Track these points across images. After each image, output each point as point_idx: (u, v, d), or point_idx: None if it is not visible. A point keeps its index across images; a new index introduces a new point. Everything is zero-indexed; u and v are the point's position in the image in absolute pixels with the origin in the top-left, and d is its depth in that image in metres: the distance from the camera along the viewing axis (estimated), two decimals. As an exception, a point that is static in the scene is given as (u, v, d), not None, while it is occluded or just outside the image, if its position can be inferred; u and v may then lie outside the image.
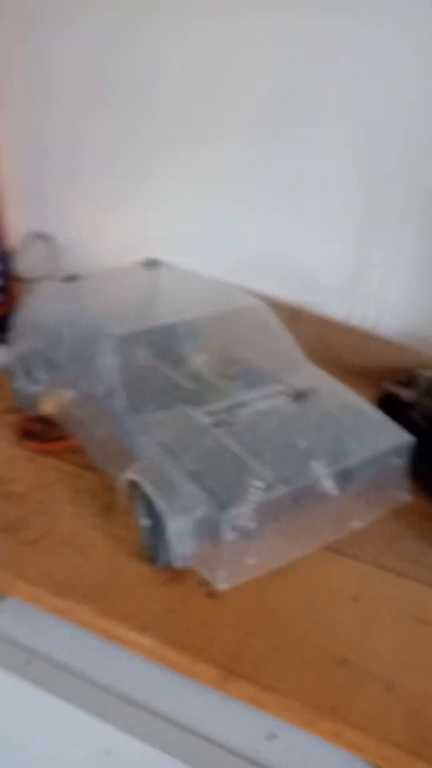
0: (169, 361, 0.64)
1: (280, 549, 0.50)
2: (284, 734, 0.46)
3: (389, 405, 0.66)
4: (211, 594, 0.50)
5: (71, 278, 0.68)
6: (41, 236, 0.97)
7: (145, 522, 0.50)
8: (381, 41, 0.72)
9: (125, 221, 0.93)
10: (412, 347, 0.82)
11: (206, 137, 0.85)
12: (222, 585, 0.46)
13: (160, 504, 0.47)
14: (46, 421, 0.70)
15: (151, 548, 0.50)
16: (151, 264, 0.73)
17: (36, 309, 0.72)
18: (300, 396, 0.57)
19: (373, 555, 0.55)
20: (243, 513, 0.45)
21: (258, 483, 0.47)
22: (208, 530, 0.46)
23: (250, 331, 0.65)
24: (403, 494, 0.58)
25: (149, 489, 0.48)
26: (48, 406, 0.68)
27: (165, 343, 0.64)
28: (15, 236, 0.98)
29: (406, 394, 0.70)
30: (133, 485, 0.52)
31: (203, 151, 0.85)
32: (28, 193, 0.96)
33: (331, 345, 0.82)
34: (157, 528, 0.48)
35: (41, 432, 0.69)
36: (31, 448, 0.68)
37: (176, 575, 0.51)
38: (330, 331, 0.84)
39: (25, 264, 0.99)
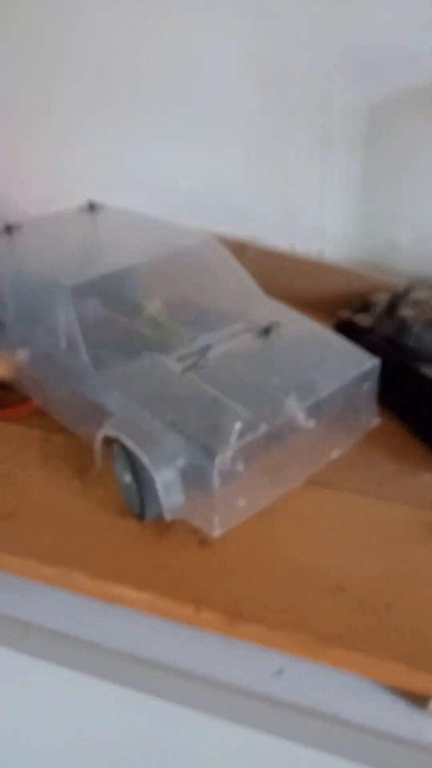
0: (122, 310, 0.61)
1: (266, 488, 0.50)
2: (291, 668, 0.47)
3: (347, 332, 0.66)
4: (203, 542, 0.50)
5: (8, 229, 0.64)
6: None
7: (127, 478, 0.49)
8: None
9: (40, 165, 0.87)
10: (359, 272, 0.82)
11: (109, 64, 0.79)
12: (216, 532, 0.46)
13: (144, 457, 0.45)
14: (7, 388, 0.67)
15: (137, 504, 0.49)
16: (90, 208, 0.69)
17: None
18: (265, 332, 0.56)
19: (353, 482, 0.55)
20: (230, 456, 0.44)
21: (240, 423, 0.46)
22: (196, 478, 0.45)
23: (203, 270, 0.63)
24: (374, 418, 0.58)
25: (129, 443, 0.46)
26: (1, 370, 0.65)
27: (116, 291, 0.61)
28: None
29: (362, 319, 0.69)
30: (108, 442, 0.50)
31: (109, 82, 0.80)
32: None
33: (278, 278, 0.80)
34: (141, 483, 0.47)
35: (4, 399, 0.66)
36: (-12, 416, 0.65)
37: (164, 528, 0.51)
38: (276, 263, 0.83)
39: None
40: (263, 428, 0.46)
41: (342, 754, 0.43)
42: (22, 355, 0.62)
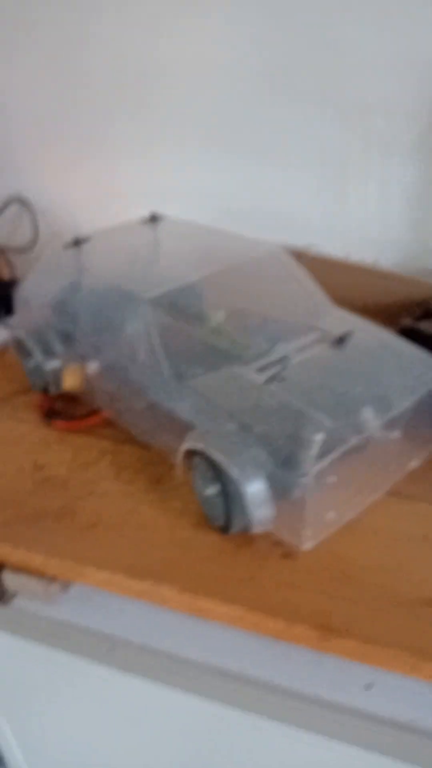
0: (187, 320, 0.62)
1: (352, 500, 0.49)
2: (380, 682, 0.47)
3: (411, 339, 0.65)
4: (286, 555, 0.49)
5: (77, 242, 0.64)
6: (17, 200, 0.91)
7: (210, 491, 0.49)
8: None
9: (97, 180, 0.88)
10: (417, 279, 0.81)
11: (176, 85, 0.80)
12: (306, 545, 0.46)
13: (233, 470, 0.45)
14: (68, 398, 0.67)
15: (221, 517, 0.49)
16: (152, 219, 0.70)
17: (42, 279, 0.68)
18: (339, 342, 0.55)
19: (427, 493, 0.55)
20: (320, 468, 0.44)
21: (328, 436, 0.45)
22: (284, 490, 0.45)
23: (269, 280, 0.63)
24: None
25: (217, 456, 0.46)
26: (69, 382, 0.65)
27: (183, 302, 0.61)
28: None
29: (426, 326, 0.69)
30: (190, 454, 0.51)
31: (164, 101, 0.81)
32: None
33: (336, 285, 0.80)
34: (228, 495, 0.47)
35: (65, 410, 0.67)
36: (59, 427, 0.65)
37: (246, 541, 0.51)
38: (333, 271, 0.82)
39: (2, 232, 0.94)
40: (352, 440, 0.46)
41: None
42: (93, 367, 0.62)
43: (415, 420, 0.54)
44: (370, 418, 0.50)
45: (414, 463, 0.55)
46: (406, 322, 0.72)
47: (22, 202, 0.91)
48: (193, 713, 0.48)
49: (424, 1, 0.67)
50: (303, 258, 0.82)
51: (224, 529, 0.50)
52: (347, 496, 0.49)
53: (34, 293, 0.69)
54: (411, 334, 0.68)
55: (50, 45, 0.82)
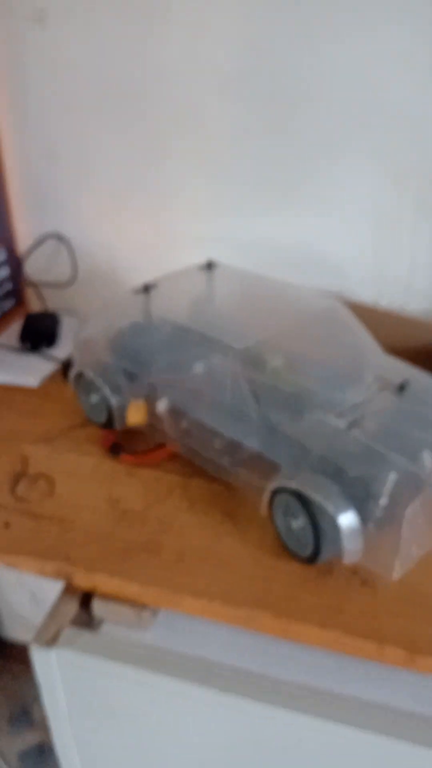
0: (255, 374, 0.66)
1: (428, 537, 0.55)
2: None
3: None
4: (365, 582, 0.55)
5: (146, 288, 0.69)
6: (55, 237, 0.95)
7: (297, 524, 0.54)
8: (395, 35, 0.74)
9: (140, 221, 0.93)
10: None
11: (218, 132, 0.85)
12: (396, 575, 0.51)
13: (328, 505, 0.51)
14: (128, 434, 0.71)
15: (309, 547, 0.54)
16: (209, 267, 0.75)
17: (102, 320, 0.72)
18: (401, 389, 0.61)
19: None
20: (413, 508, 0.50)
21: (403, 476, 0.51)
22: (376, 525, 0.51)
23: (327, 329, 0.68)
24: None
25: (311, 493, 0.52)
26: (134, 418, 0.69)
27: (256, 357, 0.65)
28: (27, 240, 0.96)
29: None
30: (276, 491, 0.56)
31: (216, 147, 0.86)
32: (40, 196, 0.94)
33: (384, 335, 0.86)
34: (317, 528, 0.52)
35: (129, 445, 0.71)
36: (128, 461, 0.69)
37: (325, 569, 0.56)
38: (363, 317, 0.88)
39: (37, 267, 0.97)
40: (413, 481, 0.52)
41: None
42: (163, 404, 0.67)
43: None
44: (425, 463, 0.56)
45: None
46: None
47: (60, 238, 0.95)
48: (290, 728, 0.52)
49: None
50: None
51: (310, 560, 0.55)
52: (425, 533, 0.54)
53: (94, 335, 0.73)
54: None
55: (108, 89, 0.86)
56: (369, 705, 0.51)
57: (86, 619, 0.60)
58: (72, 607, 0.59)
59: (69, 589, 0.60)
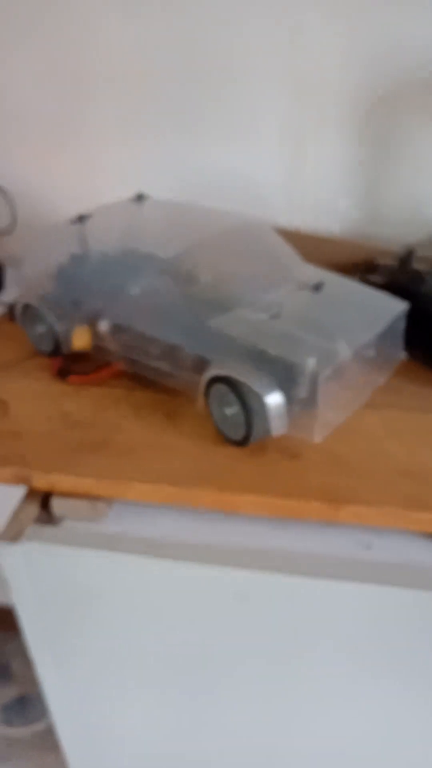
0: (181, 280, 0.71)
1: (342, 407, 0.62)
2: (377, 543, 0.60)
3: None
4: (294, 456, 0.62)
5: (81, 218, 0.74)
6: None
7: (231, 410, 0.61)
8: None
9: (72, 162, 0.97)
10: (355, 242, 0.96)
11: (134, 71, 0.90)
12: (317, 438, 0.58)
13: (255, 386, 0.57)
14: (75, 357, 0.76)
15: (240, 432, 0.61)
16: (139, 199, 0.80)
17: (41, 255, 0.77)
18: (317, 287, 0.68)
19: (394, 402, 0.69)
20: (328, 376, 0.56)
21: (320, 356, 0.58)
22: (296, 399, 0.58)
23: (248, 245, 0.74)
24: (402, 352, 0.72)
25: (240, 377, 0.58)
26: (79, 342, 0.75)
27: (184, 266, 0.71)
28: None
29: (374, 278, 0.83)
30: (210, 383, 0.62)
31: (132, 84, 0.90)
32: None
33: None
34: (248, 411, 0.59)
35: (76, 368, 0.76)
36: (75, 381, 0.74)
37: (257, 449, 0.63)
38: (293, 239, 0.95)
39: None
40: (344, 355, 0.59)
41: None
42: (104, 325, 0.72)
43: (381, 346, 0.67)
44: (344, 347, 0.63)
45: (381, 380, 0.69)
46: (356, 277, 0.85)
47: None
48: (230, 583, 0.59)
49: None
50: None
51: (243, 442, 0.61)
52: (339, 402, 0.61)
53: (35, 267, 0.78)
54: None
55: (36, 39, 0.89)
56: (303, 554, 0.58)
57: (47, 518, 0.65)
58: (33, 509, 0.65)
59: (29, 494, 0.66)
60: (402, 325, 0.70)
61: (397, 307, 0.68)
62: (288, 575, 0.57)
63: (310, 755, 0.74)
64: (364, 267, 0.88)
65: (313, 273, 0.73)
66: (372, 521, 0.57)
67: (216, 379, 0.61)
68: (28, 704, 1.45)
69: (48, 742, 1.32)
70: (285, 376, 0.59)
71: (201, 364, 0.63)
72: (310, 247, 0.91)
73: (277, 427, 0.59)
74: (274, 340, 0.60)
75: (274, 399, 0.58)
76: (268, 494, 0.58)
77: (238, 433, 0.62)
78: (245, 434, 0.61)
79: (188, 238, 0.69)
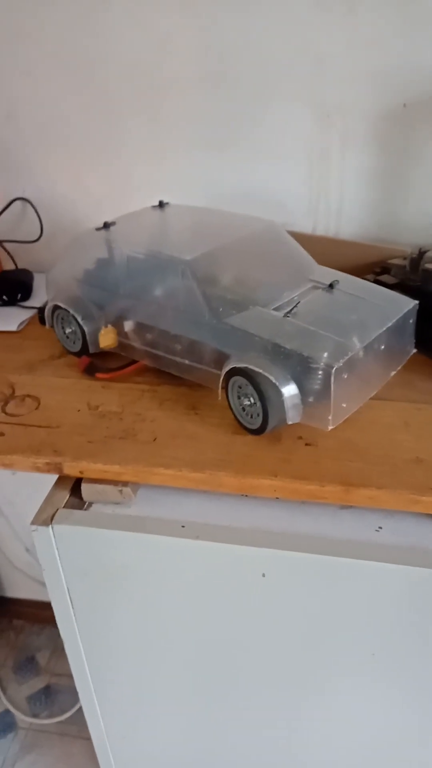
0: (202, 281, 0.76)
1: (355, 397, 0.66)
2: (387, 525, 0.64)
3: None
4: (309, 443, 0.66)
5: (106, 225, 0.79)
6: (20, 199, 1.04)
7: (249, 401, 0.65)
8: None
9: (100, 176, 1.02)
10: (372, 245, 0.99)
11: (164, 88, 0.95)
12: (330, 426, 0.62)
13: (271, 377, 0.61)
14: (101, 356, 0.81)
15: (257, 421, 0.64)
16: (161, 206, 0.85)
17: (69, 262, 0.82)
18: (330, 287, 0.72)
19: (404, 395, 0.72)
20: (342, 367, 0.60)
21: (333, 349, 0.62)
22: (311, 389, 0.62)
23: (266, 247, 0.79)
24: (412, 347, 0.75)
25: (257, 369, 0.62)
26: (106, 341, 0.79)
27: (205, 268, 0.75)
28: (-5, 203, 1.04)
29: (387, 278, 0.87)
30: (229, 376, 0.66)
31: (163, 103, 0.95)
32: (1, 160, 1.02)
33: (314, 254, 0.97)
34: (264, 400, 0.63)
35: (102, 365, 0.81)
36: (102, 378, 0.79)
37: (274, 438, 0.67)
38: (303, 243, 0.99)
39: (5, 228, 1.06)
40: (356, 348, 0.63)
41: None
42: (129, 325, 0.76)
43: (393, 340, 0.71)
44: (355, 342, 0.66)
45: (392, 374, 0.72)
46: (369, 277, 0.89)
47: (26, 201, 1.04)
48: (256, 561, 0.63)
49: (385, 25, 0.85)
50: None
51: (260, 430, 0.65)
52: (352, 393, 0.65)
53: (63, 272, 0.83)
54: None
55: (63, 53, 0.94)
56: (313, 536, 0.62)
57: (77, 503, 0.70)
58: (64, 494, 0.69)
59: (60, 480, 0.70)
60: (412, 322, 0.73)
61: (407, 304, 0.72)
62: (305, 553, 0.61)
63: (327, 744, 0.77)
64: (378, 268, 0.91)
65: (328, 273, 0.77)
66: (384, 504, 0.61)
67: (234, 372, 0.65)
68: (54, 695, 1.50)
69: (73, 731, 1.37)
70: (300, 369, 0.62)
71: (221, 359, 0.67)
72: (328, 250, 0.96)
73: (293, 416, 0.63)
74: (289, 335, 0.64)
75: (288, 390, 0.62)
76: (285, 478, 0.62)
77: (256, 423, 0.66)
78: (262, 423, 0.65)
79: (208, 242, 0.73)
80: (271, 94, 0.92)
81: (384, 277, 0.87)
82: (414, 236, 0.99)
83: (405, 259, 0.90)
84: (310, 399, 0.62)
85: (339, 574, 0.61)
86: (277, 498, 0.64)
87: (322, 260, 0.85)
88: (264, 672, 0.72)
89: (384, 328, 0.68)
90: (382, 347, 0.68)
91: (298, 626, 0.67)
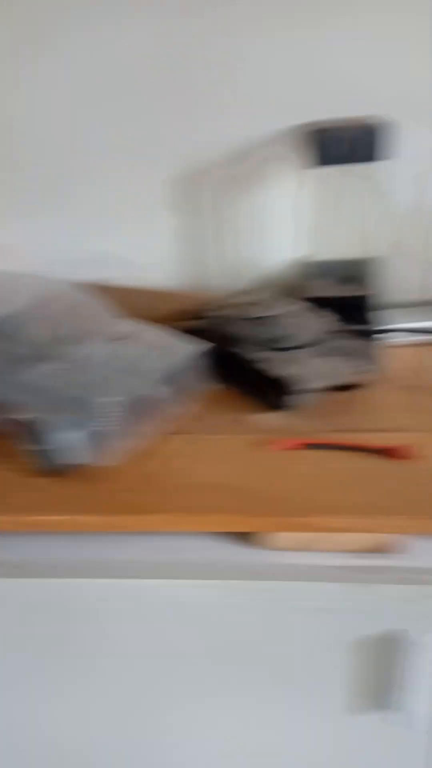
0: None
1: (141, 435, 0.73)
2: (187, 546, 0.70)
3: (192, 335, 0.90)
4: (100, 479, 0.72)
5: None
6: None
7: (38, 446, 0.71)
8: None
9: None
10: (184, 293, 1.09)
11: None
12: (116, 462, 0.70)
13: (55, 424, 0.68)
14: None
15: (49, 463, 0.71)
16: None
17: None
18: (119, 338, 0.81)
19: (198, 428, 0.80)
20: (121, 408, 0.69)
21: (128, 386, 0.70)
22: (97, 432, 0.69)
23: (70, 307, 0.87)
24: (208, 384, 0.83)
25: (45, 418, 0.69)
26: None
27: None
28: None
29: (199, 324, 0.96)
30: (20, 426, 0.73)
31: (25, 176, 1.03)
32: None
33: (133, 304, 1.05)
34: (49, 445, 0.70)
35: None
36: None
37: (70, 477, 0.72)
38: (121, 296, 1.07)
39: None
40: (138, 391, 0.71)
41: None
42: None
43: (180, 381, 0.79)
44: (138, 384, 0.74)
45: (180, 410, 0.80)
46: (184, 324, 0.98)
47: None
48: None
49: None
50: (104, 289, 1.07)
51: (53, 472, 0.72)
52: (137, 431, 0.73)
53: None
54: (190, 332, 0.95)
55: None
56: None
57: None
58: None
59: None
60: (202, 362, 0.82)
61: (193, 348, 0.81)
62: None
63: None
64: (191, 315, 1.00)
65: (124, 326, 0.85)
66: (180, 528, 0.68)
67: (23, 421, 0.72)
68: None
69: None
70: (83, 413, 0.70)
71: (17, 411, 0.74)
72: (140, 301, 1.04)
73: (80, 456, 0.70)
74: (75, 384, 0.72)
75: (72, 433, 0.69)
76: (74, 513, 0.68)
77: (48, 465, 0.72)
78: (53, 465, 0.71)
79: (13, 303, 0.81)
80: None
81: (196, 323, 0.96)
82: (226, 285, 1.08)
83: (216, 306, 0.99)
84: (97, 438, 0.70)
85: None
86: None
87: (135, 312, 0.94)
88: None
89: (166, 371, 0.76)
90: (168, 387, 0.76)
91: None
